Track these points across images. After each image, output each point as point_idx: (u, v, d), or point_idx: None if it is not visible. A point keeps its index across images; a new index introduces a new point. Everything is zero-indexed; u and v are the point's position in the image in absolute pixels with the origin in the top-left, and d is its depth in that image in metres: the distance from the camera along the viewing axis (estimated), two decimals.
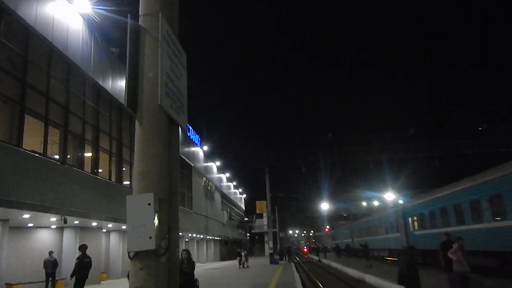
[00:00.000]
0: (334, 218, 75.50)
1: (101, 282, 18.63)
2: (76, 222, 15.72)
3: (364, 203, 70.70)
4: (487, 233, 13.24)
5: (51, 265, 14.35)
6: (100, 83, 17.22)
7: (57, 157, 13.88)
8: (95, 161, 16.53)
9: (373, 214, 40.25)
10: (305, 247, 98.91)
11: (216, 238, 45.57)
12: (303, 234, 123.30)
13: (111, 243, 21.86)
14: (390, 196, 50.37)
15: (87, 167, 15.89)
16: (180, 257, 8.45)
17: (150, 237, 3.09)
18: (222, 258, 48.29)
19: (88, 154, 16.25)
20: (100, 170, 16.92)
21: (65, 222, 13.40)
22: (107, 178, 17.59)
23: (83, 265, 11.13)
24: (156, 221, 3.20)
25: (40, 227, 16.87)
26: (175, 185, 3.74)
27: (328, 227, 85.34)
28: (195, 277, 7.82)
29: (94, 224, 17.14)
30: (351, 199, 64.53)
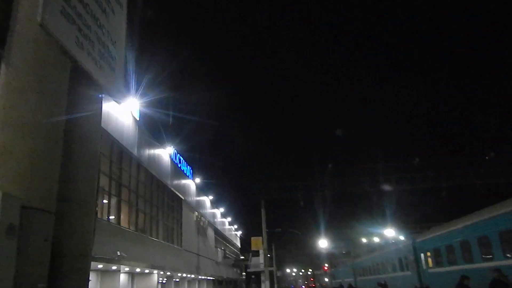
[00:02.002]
0: (334, 255, 72.42)
1: None
2: None
3: (364, 240, 67.88)
4: None
5: None
6: None
7: None
8: None
9: (377, 250, 37.80)
10: (303, 286, 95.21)
11: (209, 278, 42.52)
12: (301, 273, 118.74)
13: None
14: (391, 232, 47.91)
15: None
16: None
17: None
18: None
19: None
20: None
21: None
22: None
23: None
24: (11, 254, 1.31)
25: None
26: (90, 187, 1.93)
27: (327, 265, 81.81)
28: None
29: None
30: (352, 235, 61.96)
